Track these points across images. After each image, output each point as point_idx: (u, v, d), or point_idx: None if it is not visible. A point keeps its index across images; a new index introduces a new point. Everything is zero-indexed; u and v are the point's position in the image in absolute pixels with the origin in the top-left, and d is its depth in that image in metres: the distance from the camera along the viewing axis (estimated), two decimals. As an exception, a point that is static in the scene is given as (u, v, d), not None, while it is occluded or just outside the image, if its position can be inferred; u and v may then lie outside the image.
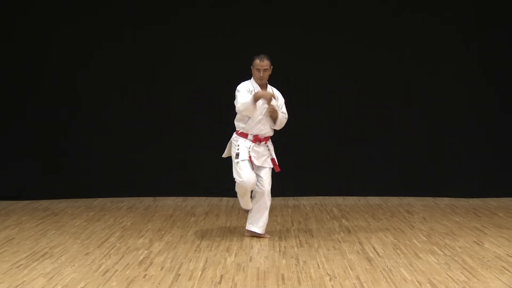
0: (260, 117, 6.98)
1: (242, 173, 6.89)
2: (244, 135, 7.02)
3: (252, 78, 7.06)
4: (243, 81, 7.07)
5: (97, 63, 9.84)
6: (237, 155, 6.95)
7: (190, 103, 9.86)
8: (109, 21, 9.79)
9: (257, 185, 7.03)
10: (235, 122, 7.09)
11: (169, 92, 9.88)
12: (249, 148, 6.97)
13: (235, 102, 6.98)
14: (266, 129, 7.05)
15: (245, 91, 6.94)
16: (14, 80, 9.79)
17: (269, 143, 7.15)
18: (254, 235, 7.12)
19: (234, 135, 7.10)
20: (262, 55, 6.98)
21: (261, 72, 6.94)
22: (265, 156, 7.07)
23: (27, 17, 9.74)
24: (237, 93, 6.98)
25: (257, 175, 7.04)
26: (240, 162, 6.92)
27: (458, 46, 9.80)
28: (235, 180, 6.97)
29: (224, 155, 7.23)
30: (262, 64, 6.94)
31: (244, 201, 7.11)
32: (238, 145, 6.98)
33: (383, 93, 9.87)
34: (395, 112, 9.83)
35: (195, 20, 9.81)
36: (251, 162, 6.96)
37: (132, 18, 9.83)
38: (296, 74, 9.78)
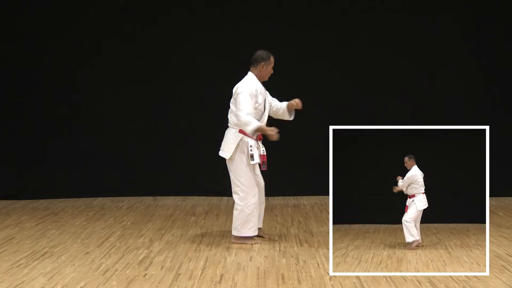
0: (265, 119, 6.91)
1: (252, 180, 6.77)
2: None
3: (252, 75, 6.86)
4: (242, 79, 6.98)
5: (97, 63, 9.85)
6: (253, 156, 6.74)
7: (190, 103, 9.87)
8: (108, 21, 9.80)
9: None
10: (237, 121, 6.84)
11: (169, 91, 9.89)
12: (260, 147, 6.83)
13: (238, 106, 6.72)
14: None
15: (251, 98, 6.70)
16: (13, 80, 9.80)
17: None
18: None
19: (240, 134, 6.78)
20: (269, 51, 6.94)
21: (272, 69, 6.96)
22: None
23: (26, 16, 9.75)
24: (241, 97, 6.71)
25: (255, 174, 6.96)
26: (254, 165, 6.82)
27: (458, 46, 9.81)
28: (243, 192, 6.71)
29: (228, 157, 6.82)
30: (273, 61, 6.96)
31: (254, 218, 6.78)
32: (251, 146, 6.76)
33: (383, 93, 9.88)
34: (395, 112, 9.83)
35: (194, 20, 9.82)
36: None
37: (132, 17, 9.84)
38: (295, 73, 9.79)
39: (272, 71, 6.97)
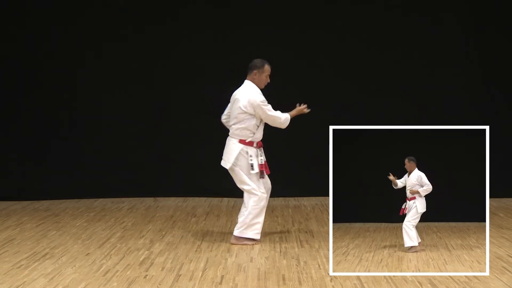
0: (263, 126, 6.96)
1: (260, 184, 6.83)
2: (250, 143, 6.85)
3: (250, 82, 6.87)
4: (242, 80, 6.97)
5: (97, 63, 9.85)
6: (252, 166, 6.78)
7: (190, 103, 9.86)
8: (108, 21, 9.79)
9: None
10: (242, 131, 6.82)
11: (169, 92, 9.89)
12: (259, 156, 6.86)
13: (270, 113, 6.77)
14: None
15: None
16: (13, 81, 9.80)
17: None
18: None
19: (240, 144, 6.83)
20: (266, 60, 6.93)
21: (268, 77, 6.93)
22: None
23: (26, 17, 9.75)
24: (266, 106, 6.77)
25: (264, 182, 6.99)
26: (255, 174, 6.80)
27: (458, 46, 9.82)
28: (255, 193, 6.77)
29: (228, 167, 6.86)
30: (270, 69, 6.92)
31: (262, 219, 6.89)
32: (251, 156, 6.80)
33: (383, 93, 9.88)
34: (395, 112, 9.83)
35: (194, 20, 9.82)
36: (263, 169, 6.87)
37: (132, 18, 9.83)
38: (295, 74, 9.79)
39: (268, 80, 6.94)
